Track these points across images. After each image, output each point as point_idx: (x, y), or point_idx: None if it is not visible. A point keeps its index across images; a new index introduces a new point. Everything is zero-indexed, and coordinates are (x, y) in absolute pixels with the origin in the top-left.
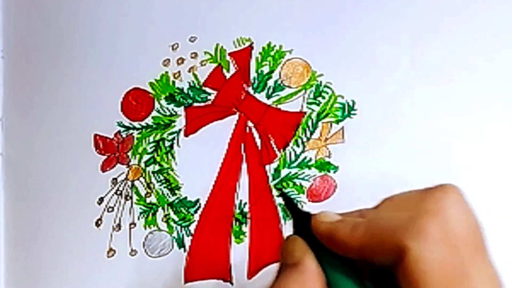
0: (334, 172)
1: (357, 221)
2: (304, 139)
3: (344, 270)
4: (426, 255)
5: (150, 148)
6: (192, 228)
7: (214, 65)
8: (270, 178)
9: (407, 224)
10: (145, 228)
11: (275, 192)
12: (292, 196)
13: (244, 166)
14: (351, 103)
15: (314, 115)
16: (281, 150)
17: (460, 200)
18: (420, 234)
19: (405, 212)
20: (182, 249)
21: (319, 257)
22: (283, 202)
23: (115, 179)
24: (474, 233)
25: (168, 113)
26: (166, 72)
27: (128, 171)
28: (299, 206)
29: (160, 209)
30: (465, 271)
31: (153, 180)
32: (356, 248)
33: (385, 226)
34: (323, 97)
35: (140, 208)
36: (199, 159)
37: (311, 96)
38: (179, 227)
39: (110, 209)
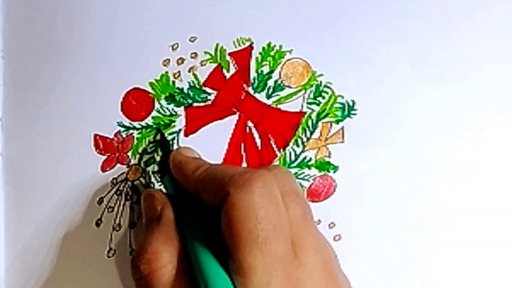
0: (334, 172)
1: (205, 163)
2: (304, 139)
3: (197, 220)
4: (241, 202)
5: (150, 148)
6: None
7: (214, 65)
8: None
9: (238, 174)
10: None
11: None
12: None
13: (244, 166)
14: (351, 103)
15: (314, 115)
16: (281, 150)
17: (291, 172)
18: (244, 184)
19: (245, 168)
20: None
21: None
22: (158, 138)
23: (115, 179)
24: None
25: (168, 113)
26: (166, 72)
27: (128, 171)
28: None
29: None
30: (280, 224)
31: (153, 180)
32: (193, 183)
33: (220, 171)
34: (323, 97)
35: (140, 208)
36: None
37: (311, 96)
38: None
39: (110, 209)
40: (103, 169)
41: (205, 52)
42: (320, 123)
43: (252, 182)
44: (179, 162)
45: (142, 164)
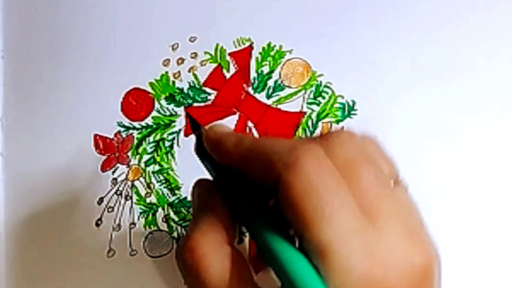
0: None
1: (246, 136)
2: None
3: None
4: (297, 181)
5: (150, 148)
6: None
7: (214, 65)
8: None
9: (285, 152)
10: (145, 228)
11: None
12: None
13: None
14: (351, 103)
15: (314, 115)
16: None
17: (353, 138)
18: (295, 164)
19: (291, 141)
20: None
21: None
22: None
23: (115, 179)
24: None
25: (168, 113)
26: (166, 72)
27: (128, 171)
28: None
29: (160, 209)
30: (342, 195)
31: (153, 180)
32: (236, 159)
33: (265, 148)
34: (323, 97)
35: (140, 208)
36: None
37: (311, 96)
38: (179, 227)
39: (110, 209)
40: (103, 169)
41: (205, 52)
42: (320, 123)
43: (303, 159)
44: (215, 140)
45: (142, 164)
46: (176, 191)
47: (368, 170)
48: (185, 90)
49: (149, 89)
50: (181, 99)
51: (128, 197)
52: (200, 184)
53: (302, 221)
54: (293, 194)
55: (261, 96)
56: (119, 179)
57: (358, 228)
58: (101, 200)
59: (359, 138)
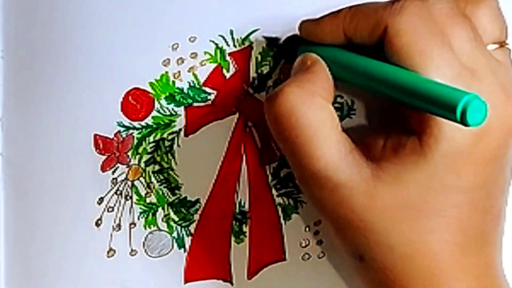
0: None
1: (335, 11)
2: None
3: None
4: (403, 28)
5: (150, 148)
6: (192, 228)
7: (214, 65)
8: (270, 178)
9: (390, 3)
10: (145, 228)
11: (275, 192)
12: (292, 196)
13: (244, 166)
14: (350, 103)
15: None
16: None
17: None
18: (401, 11)
19: None
20: (182, 249)
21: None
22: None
23: (115, 179)
24: None
25: (168, 113)
26: (166, 72)
27: (128, 171)
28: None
29: (160, 209)
30: (446, 32)
31: (153, 180)
32: (340, 29)
33: (368, 7)
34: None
35: (140, 208)
36: (199, 159)
37: None
38: (179, 227)
39: (110, 209)
40: (103, 169)
41: (205, 52)
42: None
43: (409, 7)
44: (313, 22)
45: (142, 164)
46: (176, 191)
47: (466, 24)
48: (185, 90)
49: (149, 89)
50: (181, 99)
51: (128, 197)
52: (305, 54)
53: (410, 66)
54: (401, 39)
55: (261, 96)
56: (119, 179)
57: (462, 74)
58: (101, 200)
59: None
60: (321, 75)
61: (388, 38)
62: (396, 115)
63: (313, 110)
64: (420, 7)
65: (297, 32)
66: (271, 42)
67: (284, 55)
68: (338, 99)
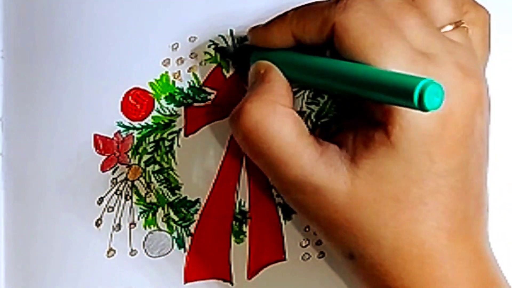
0: None
1: (281, 14)
2: None
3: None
4: (351, 24)
5: (150, 148)
6: (192, 228)
7: (214, 65)
8: None
9: (333, 1)
10: (145, 228)
11: (275, 192)
12: None
13: (244, 166)
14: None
15: (313, 115)
16: None
17: None
18: (346, 8)
19: None
20: (182, 249)
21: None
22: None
23: (115, 179)
24: None
25: (168, 113)
26: (166, 72)
27: (128, 171)
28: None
29: (160, 209)
30: (395, 23)
31: (153, 180)
32: (289, 32)
33: (313, 8)
34: (323, 97)
35: (140, 208)
36: (199, 159)
37: (311, 96)
38: (179, 227)
39: (110, 209)
40: (103, 169)
41: (205, 52)
42: (319, 123)
43: (353, 3)
44: (261, 28)
45: (142, 164)
46: (176, 191)
47: (413, 14)
48: (185, 90)
49: (149, 89)
50: (181, 99)
51: (128, 197)
52: (255, 64)
53: (363, 61)
54: (350, 35)
55: None
56: (119, 179)
57: (417, 60)
58: (101, 200)
59: None
60: (277, 82)
61: (337, 36)
62: (360, 109)
63: (278, 120)
64: (365, 1)
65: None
66: (222, 52)
67: (237, 64)
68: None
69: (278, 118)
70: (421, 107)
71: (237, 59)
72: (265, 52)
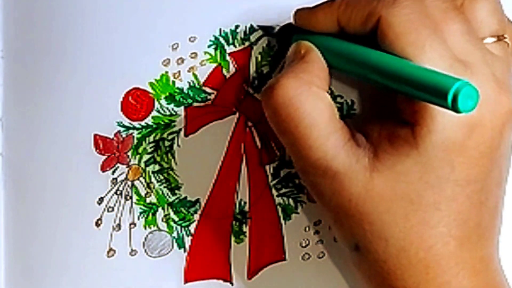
0: None
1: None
2: None
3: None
4: (397, 19)
5: (150, 148)
6: (192, 228)
7: (214, 65)
8: (270, 178)
9: None
10: (145, 228)
11: (275, 192)
12: (292, 196)
13: (244, 166)
14: (350, 103)
15: None
16: (281, 150)
17: None
18: (393, 2)
19: None
20: (182, 249)
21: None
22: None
23: (115, 179)
24: None
25: (168, 113)
26: (166, 72)
27: (128, 171)
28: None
29: (160, 209)
30: (438, 26)
31: (153, 180)
32: (333, 19)
33: None
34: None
35: (140, 208)
36: (199, 159)
37: None
38: (179, 227)
39: (110, 209)
40: (103, 169)
41: (205, 52)
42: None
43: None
44: (307, 11)
45: (142, 164)
46: (176, 191)
47: (458, 20)
48: (185, 90)
49: (149, 89)
50: (181, 99)
51: (128, 197)
52: (296, 43)
53: (403, 54)
54: (393, 30)
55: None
56: (119, 179)
57: (455, 66)
58: (101, 200)
59: None
60: (316, 64)
61: (381, 29)
62: (391, 106)
63: (310, 100)
64: (413, 0)
65: (291, 21)
66: (266, 30)
67: (279, 43)
68: (338, 99)
69: (311, 98)
70: (454, 108)
71: (280, 39)
72: (306, 35)
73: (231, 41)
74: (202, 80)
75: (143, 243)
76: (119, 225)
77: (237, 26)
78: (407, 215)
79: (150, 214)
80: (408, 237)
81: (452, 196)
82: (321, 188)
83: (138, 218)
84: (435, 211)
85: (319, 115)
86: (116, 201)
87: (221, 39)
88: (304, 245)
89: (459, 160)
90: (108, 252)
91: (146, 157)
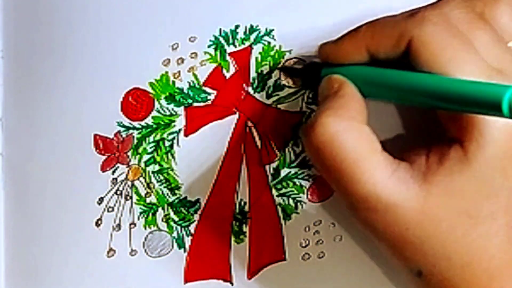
0: None
1: (355, 28)
2: None
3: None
4: (429, 38)
5: (150, 148)
6: (192, 228)
7: (214, 65)
8: (270, 178)
9: (410, 15)
10: (145, 228)
11: (275, 192)
12: (292, 196)
13: (243, 166)
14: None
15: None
16: (281, 150)
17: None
18: (423, 21)
19: (407, 11)
20: (182, 249)
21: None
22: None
23: (115, 179)
24: None
25: (168, 113)
26: (166, 72)
27: (128, 171)
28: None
29: (160, 209)
30: (468, 38)
31: (153, 180)
32: (363, 46)
33: (387, 22)
34: None
35: (140, 208)
36: (199, 159)
37: (311, 96)
38: (179, 227)
39: (110, 209)
40: (103, 169)
41: (205, 52)
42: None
43: (431, 17)
44: (333, 44)
45: (142, 164)
46: (176, 191)
47: (486, 29)
48: (185, 90)
49: (149, 89)
50: (181, 99)
51: (128, 197)
52: (328, 77)
53: (442, 75)
54: (428, 49)
55: (261, 96)
56: (119, 179)
57: (493, 76)
58: (101, 200)
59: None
60: (352, 97)
61: (414, 49)
62: (434, 126)
63: (352, 136)
64: (439, 15)
65: (313, 57)
66: (291, 72)
67: (306, 82)
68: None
69: (353, 133)
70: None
71: (307, 77)
72: (335, 68)
73: (231, 41)
74: (202, 80)
75: (143, 243)
76: (119, 225)
77: (237, 26)
78: (467, 230)
79: (150, 214)
80: (470, 251)
81: (507, 204)
82: (373, 222)
83: (138, 218)
84: (492, 221)
85: (363, 149)
86: (116, 201)
87: (221, 39)
88: (304, 245)
89: (511, 167)
90: (108, 252)
91: (146, 157)
